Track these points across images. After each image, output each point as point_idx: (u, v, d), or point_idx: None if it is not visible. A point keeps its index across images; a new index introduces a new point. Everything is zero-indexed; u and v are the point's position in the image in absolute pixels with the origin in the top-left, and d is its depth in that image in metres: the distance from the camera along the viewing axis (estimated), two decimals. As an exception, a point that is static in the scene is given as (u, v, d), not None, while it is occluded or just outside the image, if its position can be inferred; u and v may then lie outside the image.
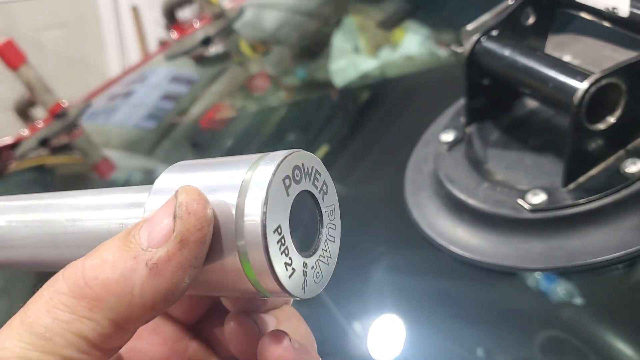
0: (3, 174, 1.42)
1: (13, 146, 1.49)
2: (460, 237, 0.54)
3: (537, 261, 0.50)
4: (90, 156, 1.36)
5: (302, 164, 0.29)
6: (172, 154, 1.26)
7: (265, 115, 1.27)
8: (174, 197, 0.27)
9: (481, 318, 0.52)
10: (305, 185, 0.29)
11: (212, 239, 0.27)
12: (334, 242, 0.31)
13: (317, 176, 0.30)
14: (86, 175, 1.33)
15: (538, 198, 0.51)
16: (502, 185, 0.54)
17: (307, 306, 0.68)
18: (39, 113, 1.50)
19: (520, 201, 0.51)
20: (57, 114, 1.37)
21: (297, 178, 0.28)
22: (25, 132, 1.49)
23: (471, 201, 0.54)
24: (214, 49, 1.33)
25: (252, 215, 0.26)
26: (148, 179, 1.22)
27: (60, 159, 1.43)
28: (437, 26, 1.10)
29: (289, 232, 0.28)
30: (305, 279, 0.29)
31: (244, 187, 0.27)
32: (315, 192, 0.30)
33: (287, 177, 0.28)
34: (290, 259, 0.28)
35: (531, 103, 0.60)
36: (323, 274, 0.30)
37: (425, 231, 0.57)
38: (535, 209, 0.50)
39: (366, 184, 0.81)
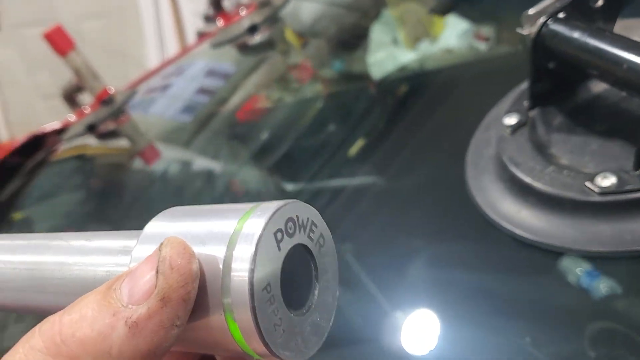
0: (48, 159, 1.44)
1: (60, 132, 1.52)
2: (525, 220, 0.54)
3: (606, 244, 0.49)
4: (136, 143, 1.37)
5: (297, 216, 0.27)
6: (208, 146, 1.28)
7: (301, 108, 1.27)
8: (158, 250, 0.26)
9: (546, 301, 0.52)
10: (300, 238, 0.27)
11: (198, 294, 0.26)
12: (330, 299, 0.29)
13: (313, 228, 0.28)
14: (125, 164, 1.35)
15: (607, 181, 0.50)
16: (568, 169, 0.54)
17: (351, 293, 0.68)
18: (86, 99, 1.52)
19: (588, 184, 0.51)
20: (104, 100, 1.39)
21: (291, 231, 0.27)
22: (72, 117, 1.52)
23: (537, 184, 0.54)
24: (259, 37, 1.34)
25: (239, 271, 0.25)
26: (185, 170, 1.24)
27: (101, 149, 1.45)
28: (477, 20, 1.10)
29: (280, 290, 0.26)
30: (296, 340, 0.27)
31: (232, 240, 0.25)
32: (310, 245, 0.28)
33: (280, 230, 0.26)
34: (280, 319, 0.26)
35: (596, 88, 0.59)
36: (316, 334, 0.28)
37: (488, 214, 0.57)
38: (605, 192, 0.50)
39: (415, 172, 0.81)
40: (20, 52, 3.91)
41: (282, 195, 1.02)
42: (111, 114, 1.37)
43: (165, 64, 1.78)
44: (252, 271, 0.24)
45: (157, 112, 1.43)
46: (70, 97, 1.47)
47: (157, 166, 1.28)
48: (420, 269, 0.62)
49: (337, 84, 1.35)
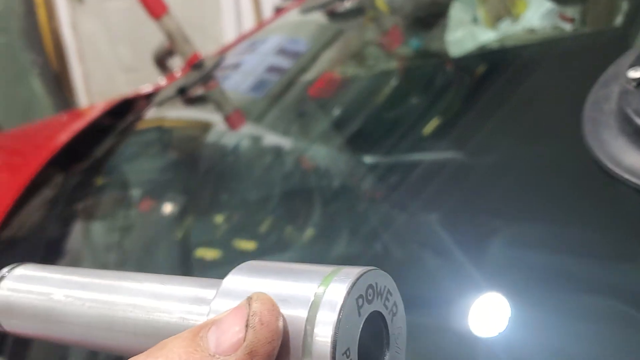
0: (138, 122, 1.48)
1: (150, 95, 1.57)
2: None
3: None
4: (223, 108, 1.40)
5: (376, 284, 0.28)
6: (279, 122, 1.29)
7: (375, 86, 1.27)
8: (247, 304, 0.26)
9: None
10: (377, 305, 0.28)
11: (279, 351, 0.26)
12: None
13: (389, 296, 0.29)
14: (199, 137, 1.37)
15: None
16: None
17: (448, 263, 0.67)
18: (176, 64, 1.55)
19: None
20: (194, 64, 1.42)
21: (370, 298, 0.27)
22: (162, 81, 1.56)
23: (667, 137, 0.52)
24: (349, 4, 1.34)
25: (322, 336, 0.25)
26: (255, 146, 1.25)
27: (178, 122, 1.48)
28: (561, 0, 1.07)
29: (357, 355, 0.26)
30: None
31: (315, 302, 0.26)
32: (385, 312, 0.28)
33: (361, 296, 0.27)
34: None
35: None
36: None
37: (611, 168, 0.55)
38: None
39: (509, 141, 0.80)
40: (103, 24, 4.04)
41: (354, 170, 1.03)
42: (201, 78, 1.40)
43: (240, 40, 1.80)
44: (335, 335, 0.25)
45: (230, 88, 1.46)
46: (161, 61, 1.51)
47: (229, 140, 1.30)
48: (535, 231, 0.61)
49: (412, 61, 1.34)
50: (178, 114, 1.48)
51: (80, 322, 0.33)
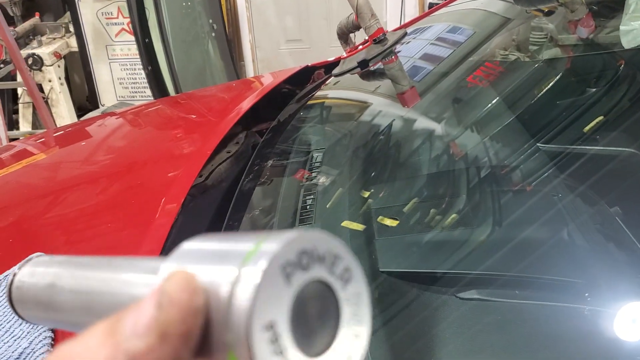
0: (317, 91, 1.55)
1: (330, 66, 1.64)
2: None
3: None
4: (399, 84, 1.44)
5: (314, 247, 0.25)
6: (431, 108, 1.30)
7: (536, 77, 1.25)
8: (162, 283, 0.25)
9: None
10: (318, 272, 0.25)
11: (207, 330, 0.24)
12: (357, 338, 0.26)
13: (336, 261, 0.25)
14: (362, 113, 1.41)
15: None
16: None
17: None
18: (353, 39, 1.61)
19: None
20: (377, 39, 1.47)
21: (305, 264, 0.24)
22: (344, 54, 1.63)
23: None
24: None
25: (239, 307, 0.23)
26: (406, 127, 1.26)
27: (339, 100, 1.53)
28: None
29: (290, 329, 0.24)
30: None
31: (238, 272, 0.24)
32: (331, 280, 0.25)
33: (289, 263, 0.24)
34: None
35: None
36: None
37: None
38: None
39: None
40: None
41: (506, 158, 1.02)
42: (382, 53, 1.45)
43: (405, 26, 1.81)
44: (250, 308, 0.23)
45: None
46: (345, 35, 1.57)
47: (382, 120, 1.32)
48: None
49: (578, 51, 1.31)
50: (351, 88, 1.52)
51: (68, 308, 0.32)
